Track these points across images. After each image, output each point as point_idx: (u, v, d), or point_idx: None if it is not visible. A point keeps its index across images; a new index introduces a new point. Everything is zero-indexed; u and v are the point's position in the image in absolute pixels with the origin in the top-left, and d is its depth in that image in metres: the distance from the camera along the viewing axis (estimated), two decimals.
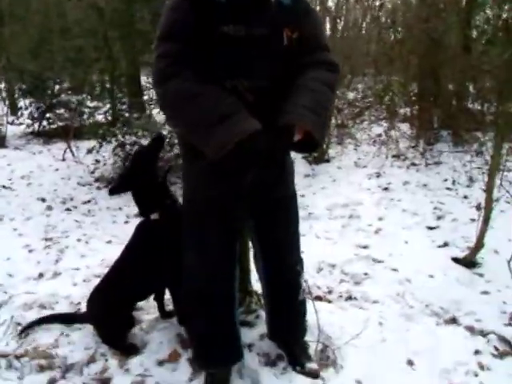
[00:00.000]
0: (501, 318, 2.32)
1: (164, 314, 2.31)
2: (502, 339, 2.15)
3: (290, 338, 2.00)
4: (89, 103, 7.54)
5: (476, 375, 1.92)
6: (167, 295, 2.32)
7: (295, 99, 1.52)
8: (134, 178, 2.05)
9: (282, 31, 1.55)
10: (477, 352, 2.06)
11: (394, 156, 5.74)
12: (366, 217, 3.89)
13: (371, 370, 1.90)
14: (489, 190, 2.77)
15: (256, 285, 2.34)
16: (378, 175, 5.10)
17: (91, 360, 2.02)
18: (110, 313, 2.06)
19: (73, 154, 6.09)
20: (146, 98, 7.96)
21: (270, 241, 1.82)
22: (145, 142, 4.98)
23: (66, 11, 7.99)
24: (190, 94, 1.42)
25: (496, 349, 2.09)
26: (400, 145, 5.96)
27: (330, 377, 1.88)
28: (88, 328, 2.20)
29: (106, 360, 2.01)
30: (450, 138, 6.00)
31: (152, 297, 2.32)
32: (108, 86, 7.86)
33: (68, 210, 4.05)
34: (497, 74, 4.79)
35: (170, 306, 2.34)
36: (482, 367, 1.96)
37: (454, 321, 2.33)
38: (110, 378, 1.93)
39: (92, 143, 6.22)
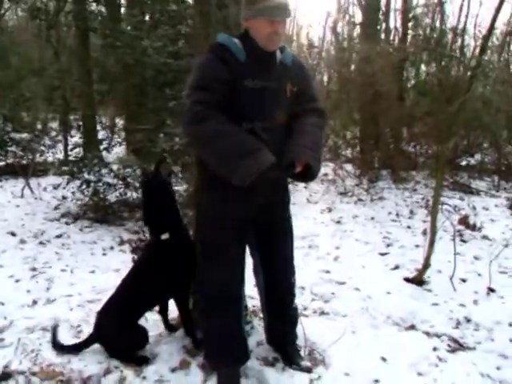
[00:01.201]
0: (449, 323, 2.82)
1: (169, 327, 2.54)
2: (452, 339, 2.62)
3: (286, 341, 2.33)
4: (43, 141, 7.62)
5: (436, 366, 2.35)
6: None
7: (297, 140, 1.94)
8: (156, 202, 2.25)
9: (286, 85, 1.99)
10: (435, 349, 2.51)
11: (341, 193, 6.34)
12: (324, 246, 4.35)
13: (355, 366, 2.28)
14: (433, 217, 3.31)
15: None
16: (330, 210, 5.63)
17: (107, 372, 2.21)
18: (124, 327, 2.27)
19: (31, 191, 6.12)
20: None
21: (272, 255, 2.19)
22: (109, 179, 5.18)
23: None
24: (223, 132, 1.79)
25: (449, 346, 2.55)
26: (346, 183, 6.58)
27: (322, 372, 2.23)
28: (95, 345, 2.37)
29: (121, 371, 2.21)
30: (390, 176, 6.74)
31: (153, 316, 2.57)
32: (59, 126, 8.02)
33: (42, 243, 4.14)
34: (426, 121, 5.57)
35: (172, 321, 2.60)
36: (440, 359, 2.40)
37: (412, 327, 2.76)
38: None
39: (50, 180, 6.32)
